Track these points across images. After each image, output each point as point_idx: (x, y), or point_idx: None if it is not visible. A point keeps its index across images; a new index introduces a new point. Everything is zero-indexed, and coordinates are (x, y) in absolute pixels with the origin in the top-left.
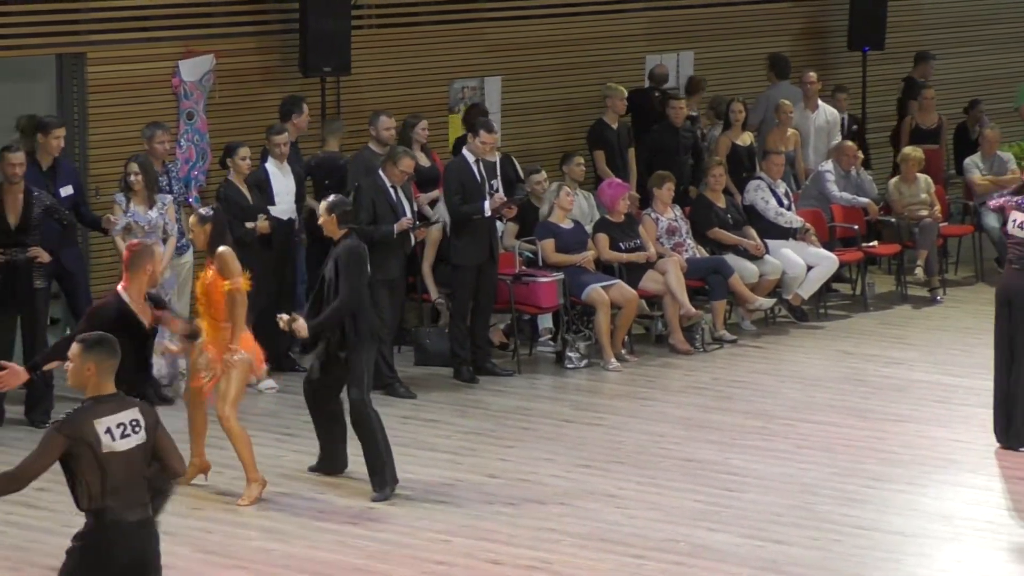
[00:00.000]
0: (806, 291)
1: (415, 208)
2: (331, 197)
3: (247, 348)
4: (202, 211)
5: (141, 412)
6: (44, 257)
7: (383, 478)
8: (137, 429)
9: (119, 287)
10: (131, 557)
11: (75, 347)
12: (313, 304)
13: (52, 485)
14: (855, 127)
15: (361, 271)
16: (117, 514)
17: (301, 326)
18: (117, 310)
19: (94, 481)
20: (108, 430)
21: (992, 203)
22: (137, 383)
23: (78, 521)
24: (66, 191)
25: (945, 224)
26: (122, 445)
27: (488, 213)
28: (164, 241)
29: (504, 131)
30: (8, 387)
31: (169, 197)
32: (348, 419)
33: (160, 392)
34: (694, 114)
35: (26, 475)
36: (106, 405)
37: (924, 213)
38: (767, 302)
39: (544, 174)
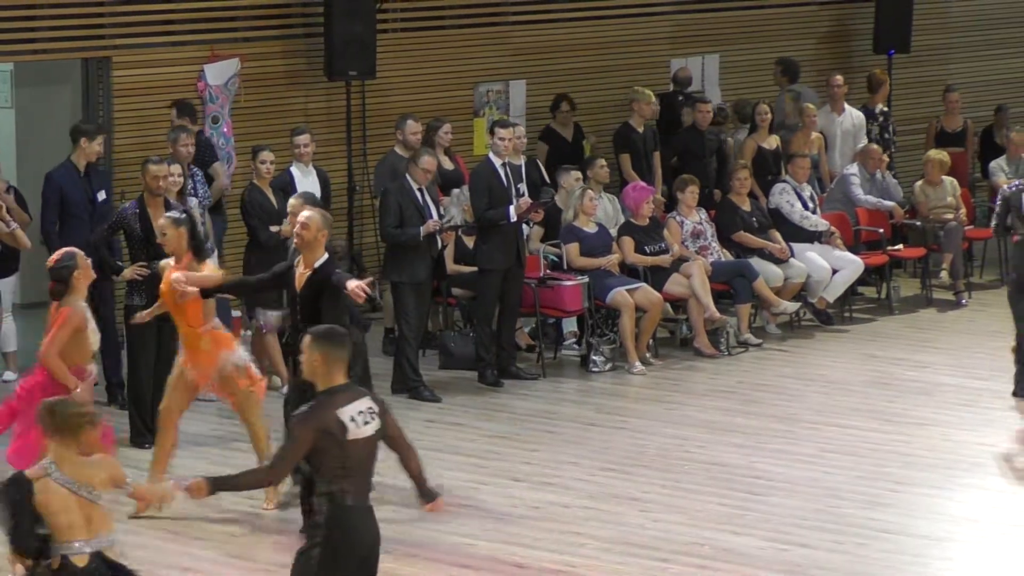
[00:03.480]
0: (831, 294)
1: (440, 211)
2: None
3: (229, 348)
4: (174, 214)
5: (372, 400)
6: None
7: None
8: (373, 416)
9: None
10: (372, 539)
11: (305, 339)
12: None
13: None
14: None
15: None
16: (354, 499)
17: None
18: None
19: (336, 467)
20: (352, 418)
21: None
22: None
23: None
24: (101, 196)
25: (970, 227)
26: (365, 432)
27: (514, 219)
28: None
29: (529, 135)
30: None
31: (195, 201)
32: None
33: None
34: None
35: (282, 470)
36: (342, 395)
37: (949, 216)
38: (792, 306)
39: (578, 172)
